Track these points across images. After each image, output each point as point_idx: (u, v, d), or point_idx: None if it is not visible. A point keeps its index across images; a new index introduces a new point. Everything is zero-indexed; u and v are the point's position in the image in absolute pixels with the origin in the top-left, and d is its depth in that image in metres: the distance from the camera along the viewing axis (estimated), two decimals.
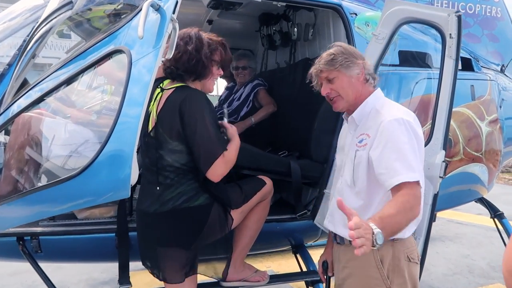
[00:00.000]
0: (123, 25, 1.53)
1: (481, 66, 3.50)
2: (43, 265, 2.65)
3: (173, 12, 1.44)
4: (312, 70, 1.78)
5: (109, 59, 1.51)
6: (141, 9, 1.41)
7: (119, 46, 1.49)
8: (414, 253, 1.72)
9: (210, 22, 3.80)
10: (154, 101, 1.82)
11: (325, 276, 2.00)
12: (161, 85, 1.88)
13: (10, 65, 2.01)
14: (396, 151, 1.56)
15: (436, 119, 2.19)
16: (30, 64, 1.85)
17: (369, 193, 1.67)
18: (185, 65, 1.80)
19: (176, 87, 1.83)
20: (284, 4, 2.77)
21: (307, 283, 2.55)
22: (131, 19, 1.51)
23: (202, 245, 1.96)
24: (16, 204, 1.54)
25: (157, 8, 1.44)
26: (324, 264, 1.98)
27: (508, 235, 3.20)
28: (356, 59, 1.73)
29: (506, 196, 9.13)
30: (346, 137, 1.87)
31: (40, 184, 1.51)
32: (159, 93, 1.84)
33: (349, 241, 1.72)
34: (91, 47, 1.58)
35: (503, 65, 3.97)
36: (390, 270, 1.66)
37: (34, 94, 1.64)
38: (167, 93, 1.82)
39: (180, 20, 3.33)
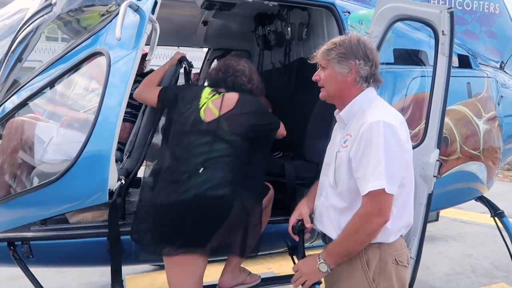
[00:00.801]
0: (104, 27, 1.52)
1: (479, 63, 3.46)
2: (43, 269, 2.62)
3: (153, 13, 1.43)
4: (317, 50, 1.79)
5: (89, 61, 1.50)
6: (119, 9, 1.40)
7: (99, 48, 1.47)
8: (403, 256, 1.69)
9: (205, 23, 3.80)
10: (210, 99, 2.05)
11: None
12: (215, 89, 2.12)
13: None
14: (371, 156, 1.54)
15: (430, 118, 2.15)
16: (17, 67, 1.84)
17: (351, 194, 1.65)
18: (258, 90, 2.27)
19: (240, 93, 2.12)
20: (276, 3, 2.75)
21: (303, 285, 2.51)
22: (111, 21, 1.50)
23: (220, 241, 1.96)
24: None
25: (136, 9, 1.42)
26: (295, 228, 1.86)
27: (509, 234, 3.15)
28: (351, 57, 1.68)
29: (510, 194, 9.04)
30: (336, 136, 1.85)
31: (19, 190, 1.50)
32: (215, 94, 2.08)
33: None
34: (72, 49, 1.57)
35: (502, 62, 3.91)
36: (377, 273, 1.63)
37: (18, 97, 1.63)
38: (234, 95, 2.08)
39: (175, 22, 3.28)
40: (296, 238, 1.89)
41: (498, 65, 3.85)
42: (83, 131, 1.62)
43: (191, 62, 2.49)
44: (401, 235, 1.70)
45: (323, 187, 1.85)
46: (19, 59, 1.78)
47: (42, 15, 1.70)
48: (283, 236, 2.67)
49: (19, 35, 1.74)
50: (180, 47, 4.40)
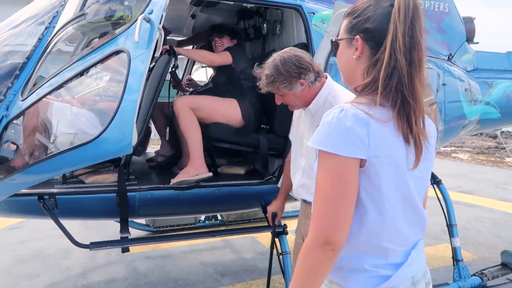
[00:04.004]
0: (124, 31, 2.04)
1: (428, 56, 4.07)
2: (48, 233, 3.05)
3: (160, 23, 1.96)
4: (259, 79, 2.03)
5: (114, 56, 2.03)
6: (136, 20, 1.95)
7: (121, 47, 2.01)
8: None
9: (193, 16, 4.30)
10: None
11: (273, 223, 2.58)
12: None
13: (28, 58, 2.52)
14: None
15: None
16: (47, 60, 2.36)
17: None
18: None
19: None
20: (252, 5, 3.28)
21: (273, 234, 3.12)
22: (129, 27, 2.02)
23: None
24: (51, 162, 2.04)
25: (148, 21, 1.95)
26: (273, 214, 2.52)
27: (444, 199, 3.82)
28: (293, 79, 1.94)
29: (473, 174, 9.87)
30: (302, 122, 2.20)
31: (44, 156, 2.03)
32: None
33: None
34: (100, 46, 2.09)
35: (450, 54, 4.54)
36: None
37: (52, 84, 2.16)
38: None
39: (168, 15, 3.87)
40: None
41: (446, 57, 4.48)
42: (92, 110, 2.17)
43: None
44: None
45: (299, 166, 2.20)
46: (49, 53, 2.29)
47: (76, 22, 2.22)
48: (257, 196, 3.28)
49: (57, 36, 2.25)
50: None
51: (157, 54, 2.01)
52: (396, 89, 1.11)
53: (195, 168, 2.91)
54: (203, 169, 2.93)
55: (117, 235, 2.80)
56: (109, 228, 4.53)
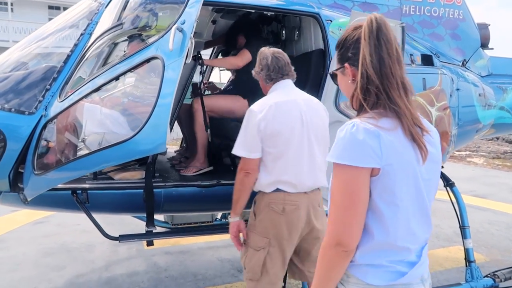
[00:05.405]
0: (158, 40, 2.21)
1: (442, 61, 4.16)
2: (71, 229, 3.19)
3: (191, 32, 2.13)
4: None
5: (148, 62, 2.21)
6: (170, 29, 2.12)
7: (156, 54, 2.18)
8: (279, 205, 2.35)
9: (214, 22, 4.48)
10: None
11: None
12: None
13: (65, 62, 2.71)
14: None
15: None
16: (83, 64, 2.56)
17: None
18: None
19: None
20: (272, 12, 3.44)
21: None
22: (163, 36, 2.20)
23: None
24: (94, 157, 2.22)
25: (181, 30, 2.12)
26: None
27: (457, 200, 3.90)
28: (257, 68, 2.48)
29: (488, 178, 9.84)
30: None
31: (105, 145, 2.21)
32: None
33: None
34: (136, 53, 2.27)
35: (464, 60, 4.62)
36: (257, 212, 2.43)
37: (91, 86, 2.34)
38: None
39: None
40: None
41: (460, 63, 4.56)
42: (128, 112, 2.35)
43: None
44: (277, 188, 2.34)
45: None
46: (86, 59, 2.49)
47: (114, 31, 2.41)
48: None
49: (95, 44, 2.44)
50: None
51: (188, 61, 2.17)
52: (387, 100, 1.25)
53: (200, 163, 3.47)
54: (205, 165, 3.49)
55: (136, 231, 2.99)
56: (130, 224, 4.73)
